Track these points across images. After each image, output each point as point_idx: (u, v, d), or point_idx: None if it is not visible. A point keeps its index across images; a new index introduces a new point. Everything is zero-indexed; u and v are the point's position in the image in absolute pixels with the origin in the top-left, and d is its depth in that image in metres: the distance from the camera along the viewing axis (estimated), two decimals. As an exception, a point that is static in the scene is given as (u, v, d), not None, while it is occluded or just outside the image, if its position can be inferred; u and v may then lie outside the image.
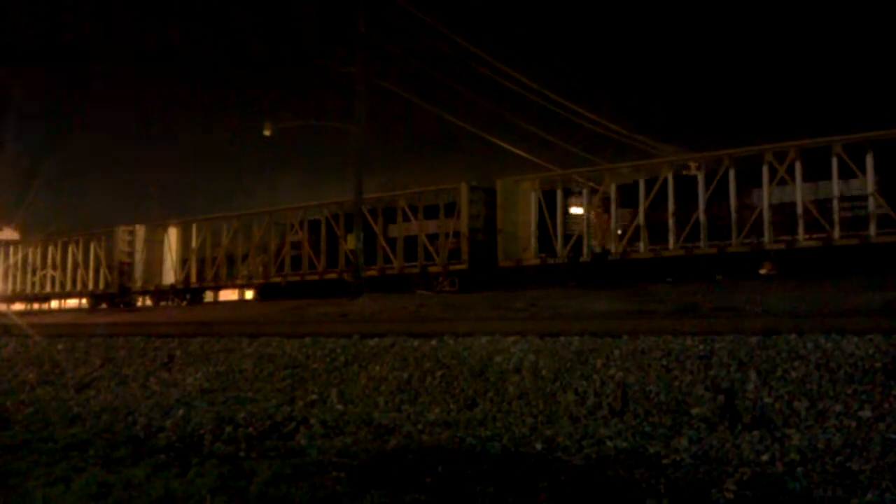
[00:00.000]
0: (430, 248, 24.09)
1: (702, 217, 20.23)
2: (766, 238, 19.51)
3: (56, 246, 34.65)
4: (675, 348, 10.89)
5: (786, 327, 11.01)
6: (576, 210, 23.05)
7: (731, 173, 20.11)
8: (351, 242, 25.02)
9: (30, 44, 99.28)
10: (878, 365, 9.47)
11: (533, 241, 22.73)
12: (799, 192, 19.19)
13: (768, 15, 79.63)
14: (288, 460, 8.46)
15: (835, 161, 18.81)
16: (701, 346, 10.79)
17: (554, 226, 22.32)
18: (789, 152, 19.73)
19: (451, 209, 23.98)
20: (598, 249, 21.97)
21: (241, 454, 8.97)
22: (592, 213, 22.75)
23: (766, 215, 19.40)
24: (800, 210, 19.19)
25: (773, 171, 19.58)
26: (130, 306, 32.09)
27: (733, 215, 20.00)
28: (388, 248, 25.18)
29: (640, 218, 21.10)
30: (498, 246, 23.03)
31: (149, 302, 32.94)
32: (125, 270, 32.14)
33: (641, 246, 21.21)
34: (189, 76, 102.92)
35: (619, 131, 32.70)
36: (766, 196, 19.61)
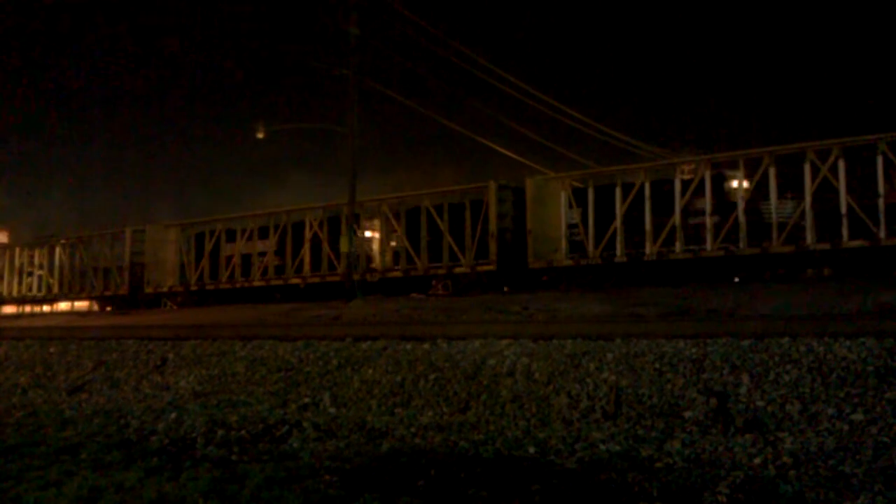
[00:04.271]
0: (456, 249, 23.78)
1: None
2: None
3: (63, 248, 34.21)
4: (668, 351, 10.90)
5: (778, 330, 11.03)
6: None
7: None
8: (344, 245, 24.85)
9: (34, 46, 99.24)
10: (870, 368, 9.50)
11: (563, 242, 22.49)
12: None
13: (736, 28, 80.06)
14: (280, 464, 8.44)
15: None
16: (694, 350, 10.81)
17: (585, 226, 22.07)
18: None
19: (478, 209, 23.71)
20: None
21: (234, 457, 8.95)
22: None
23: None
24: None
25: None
26: (150, 308, 31.42)
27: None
28: (411, 249, 24.85)
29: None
30: (528, 246, 22.66)
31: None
32: (137, 272, 31.59)
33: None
34: (195, 78, 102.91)
35: (617, 136, 32.75)
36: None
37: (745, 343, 10.71)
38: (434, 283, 24.18)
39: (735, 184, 20.47)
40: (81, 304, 35.17)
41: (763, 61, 77.38)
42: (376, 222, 26.56)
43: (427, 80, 32.84)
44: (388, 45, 27.80)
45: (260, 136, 27.34)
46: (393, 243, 25.87)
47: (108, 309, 32.64)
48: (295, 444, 9.57)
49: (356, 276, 24.80)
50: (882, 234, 17.65)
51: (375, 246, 26.85)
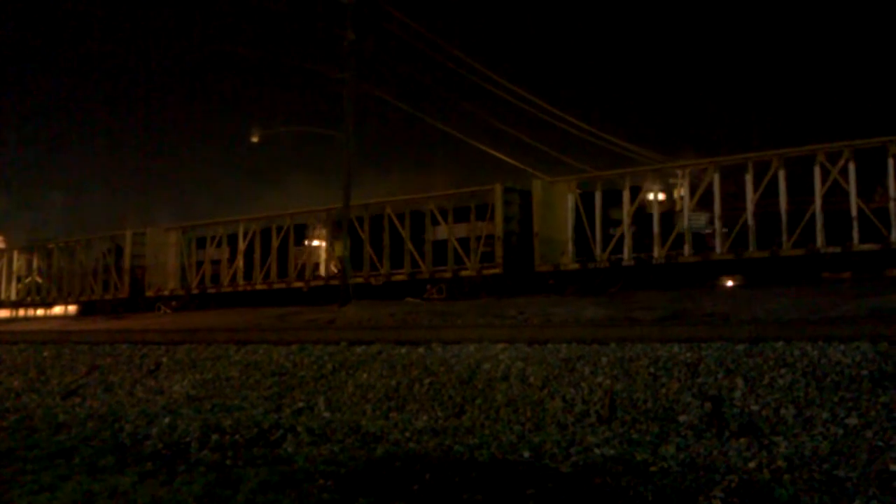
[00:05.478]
0: (461, 252, 23.67)
1: None
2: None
3: (61, 251, 33.91)
4: (663, 356, 10.91)
5: (772, 335, 11.05)
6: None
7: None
8: (339, 249, 24.81)
9: (36, 48, 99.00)
10: (864, 372, 9.52)
11: (570, 245, 22.31)
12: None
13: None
14: (275, 468, 8.42)
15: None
16: (688, 354, 10.81)
17: (592, 229, 21.90)
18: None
19: (483, 212, 23.60)
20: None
21: (228, 462, 8.92)
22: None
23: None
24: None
25: None
26: (145, 311, 31.13)
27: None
28: (415, 253, 24.77)
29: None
30: (535, 250, 22.43)
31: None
32: (137, 275, 31.27)
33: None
34: (195, 81, 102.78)
35: (614, 140, 32.75)
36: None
37: (740, 347, 10.73)
38: (429, 287, 24.14)
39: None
40: (76, 308, 35.02)
41: (763, 63, 77.64)
42: (323, 232, 27.33)
43: (424, 85, 32.82)
44: (385, 49, 27.80)
45: (255, 139, 27.36)
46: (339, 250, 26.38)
47: (75, 310, 32.34)
48: (289, 449, 9.55)
49: (360, 279, 24.77)
50: (894, 237, 17.65)
51: (322, 254, 27.55)
